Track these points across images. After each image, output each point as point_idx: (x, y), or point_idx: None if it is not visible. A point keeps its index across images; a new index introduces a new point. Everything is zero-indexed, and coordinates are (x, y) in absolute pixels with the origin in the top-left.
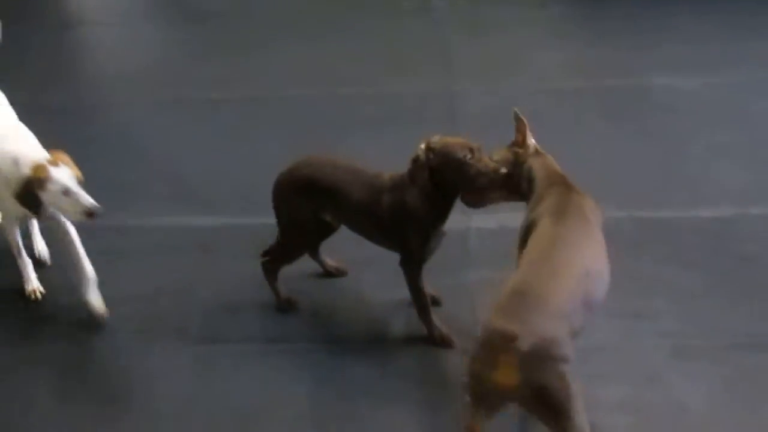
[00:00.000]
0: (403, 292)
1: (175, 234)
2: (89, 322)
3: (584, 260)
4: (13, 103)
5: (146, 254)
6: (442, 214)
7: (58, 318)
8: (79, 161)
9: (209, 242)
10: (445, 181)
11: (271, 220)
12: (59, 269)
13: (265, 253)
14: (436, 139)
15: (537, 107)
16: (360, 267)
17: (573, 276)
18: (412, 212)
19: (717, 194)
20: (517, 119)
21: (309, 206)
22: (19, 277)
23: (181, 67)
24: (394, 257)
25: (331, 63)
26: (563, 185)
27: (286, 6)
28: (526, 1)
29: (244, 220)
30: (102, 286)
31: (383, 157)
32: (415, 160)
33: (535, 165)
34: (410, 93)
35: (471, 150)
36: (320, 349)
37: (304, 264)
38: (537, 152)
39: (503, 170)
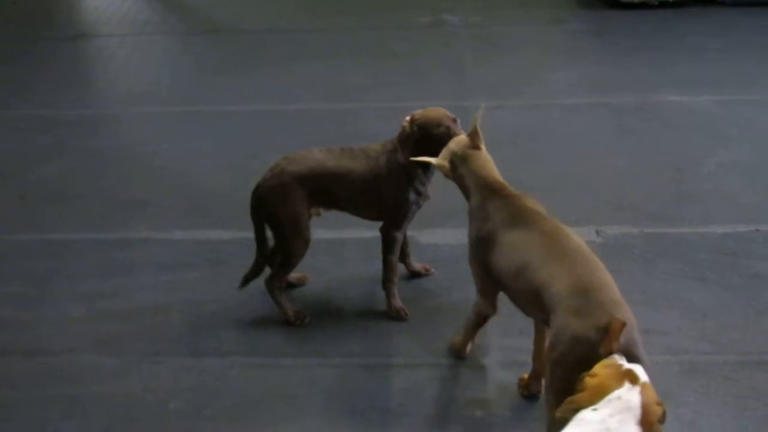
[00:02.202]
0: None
1: (185, 248)
2: (97, 336)
3: (586, 248)
4: (26, 115)
5: (155, 268)
6: (428, 177)
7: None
8: (89, 174)
9: (219, 256)
10: (429, 148)
11: None
12: None
13: (270, 277)
14: (419, 113)
15: (550, 123)
16: (366, 282)
17: (599, 262)
18: (405, 169)
19: (729, 211)
20: (473, 125)
21: (307, 200)
22: None
23: (193, 79)
24: (401, 272)
25: (344, 77)
26: (504, 192)
27: (299, 20)
28: (539, 19)
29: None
30: (110, 299)
31: None
32: (401, 133)
33: (467, 173)
34: (422, 107)
35: (453, 120)
36: (330, 364)
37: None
38: (470, 158)
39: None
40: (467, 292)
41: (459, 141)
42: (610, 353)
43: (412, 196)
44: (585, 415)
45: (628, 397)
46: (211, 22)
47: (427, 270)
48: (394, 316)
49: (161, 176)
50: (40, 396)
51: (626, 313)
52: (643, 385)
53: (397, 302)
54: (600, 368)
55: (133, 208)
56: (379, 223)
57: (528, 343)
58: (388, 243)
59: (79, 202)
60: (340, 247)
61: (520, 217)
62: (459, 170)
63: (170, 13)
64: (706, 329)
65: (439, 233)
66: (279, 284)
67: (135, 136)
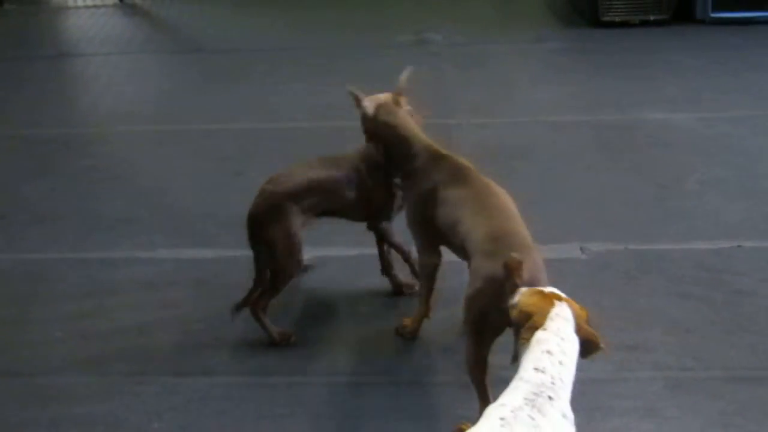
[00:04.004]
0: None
1: (169, 266)
2: (80, 356)
3: (511, 204)
4: (8, 134)
5: (139, 288)
6: None
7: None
8: (71, 193)
9: (203, 275)
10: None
11: None
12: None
13: (255, 302)
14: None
15: (533, 140)
16: (351, 300)
17: (517, 215)
18: (384, 166)
19: (712, 227)
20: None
21: (301, 217)
22: None
23: (176, 98)
24: (387, 289)
25: (327, 96)
26: (442, 153)
27: (282, 39)
28: (522, 37)
29: (239, 253)
30: (93, 319)
31: None
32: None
33: (397, 123)
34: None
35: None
36: (317, 382)
37: (288, 297)
38: (396, 113)
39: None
40: (453, 311)
41: (385, 96)
42: (515, 288)
43: (395, 188)
44: (539, 335)
45: (562, 311)
46: (194, 41)
47: (410, 287)
48: (398, 291)
49: (144, 195)
50: (21, 418)
51: (533, 254)
52: (567, 300)
53: (397, 278)
54: (529, 297)
55: (116, 227)
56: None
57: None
58: (383, 233)
59: (62, 222)
60: (322, 266)
61: (456, 176)
62: (383, 119)
63: (154, 32)
64: (690, 345)
65: None
66: (263, 305)
67: (118, 155)
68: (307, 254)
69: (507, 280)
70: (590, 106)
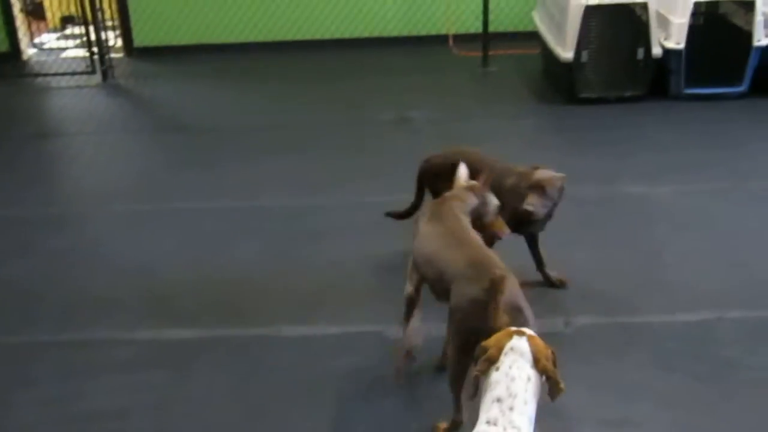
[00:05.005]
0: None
1: (148, 348)
2: None
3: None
4: None
5: (118, 370)
6: None
7: None
8: (52, 273)
9: (184, 356)
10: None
11: (250, 331)
12: None
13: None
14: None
15: None
16: (340, 380)
17: (488, 250)
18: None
19: (694, 299)
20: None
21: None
22: None
23: (157, 177)
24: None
25: (309, 173)
26: (439, 197)
27: (265, 118)
28: (501, 114)
29: (222, 332)
30: (70, 403)
31: (365, 264)
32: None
33: None
34: (389, 202)
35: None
36: None
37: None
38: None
39: None
40: (437, 388)
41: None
42: (497, 306)
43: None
44: (492, 376)
45: (518, 345)
46: (176, 120)
47: (562, 282)
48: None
49: (124, 275)
50: None
51: (510, 278)
52: (530, 336)
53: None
54: (494, 336)
55: (95, 307)
56: None
57: None
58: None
59: (41, 303)
60: (304, 344)
61: (437, 214)
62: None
63: (136, 111)
64: (677, 419)
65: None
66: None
67: (99, 234)
68: (291, 332)
69: (490, 297)
70: (570, 180)
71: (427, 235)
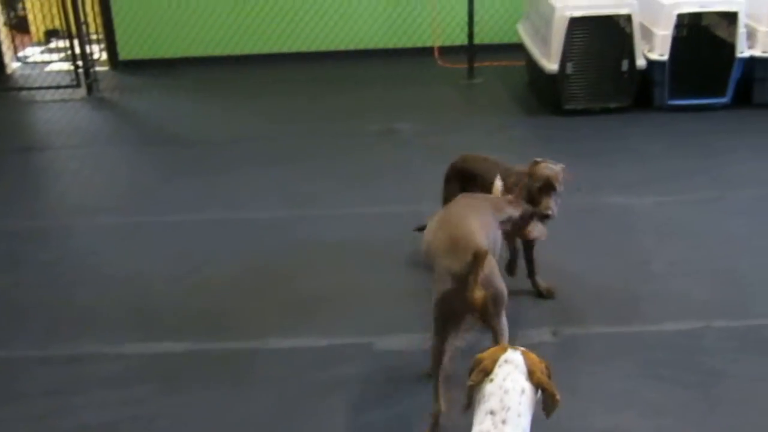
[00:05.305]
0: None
1: (136, 362)
2: None
3: (477, 219)
4: None
5: (105, 384)
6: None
7: None
8: (38, 287)
9: (172, 370)
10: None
11: (237, 343)
12: None
13: None
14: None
15: None
16: (324, 391)
17: (479, 228)
18: None
19: (680, 308)
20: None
21: None
22: None
23: (144, 189)
24: None
25: (298, 185)
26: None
27: (252, 130)
28: (487, 126)
29: (209, 345)
30: (56, 418)
31: (353, 275)
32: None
33: None
34: (376, 213)
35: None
36: None
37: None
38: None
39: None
40: (424, 399)
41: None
42: (475, 279)
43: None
44: (486, 388)
45: (513, 357)
46: (162, 133)
47: (550, 292)
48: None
49: (111, 288)
50: None
51: (490, 257)
52: (523, 351)
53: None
54: (489, 350)
55: (82, 321)
56: None
57: None
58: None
59: (27, 317)
60: (292, 356)
61: (447, 205)
62: None
63: (122, 124)
64: (665, 428)
65: (397, 339)
66: None
67: (85, 247)
68: (275, 344)
69: (471, 271)
70: None
71: (430, 226)
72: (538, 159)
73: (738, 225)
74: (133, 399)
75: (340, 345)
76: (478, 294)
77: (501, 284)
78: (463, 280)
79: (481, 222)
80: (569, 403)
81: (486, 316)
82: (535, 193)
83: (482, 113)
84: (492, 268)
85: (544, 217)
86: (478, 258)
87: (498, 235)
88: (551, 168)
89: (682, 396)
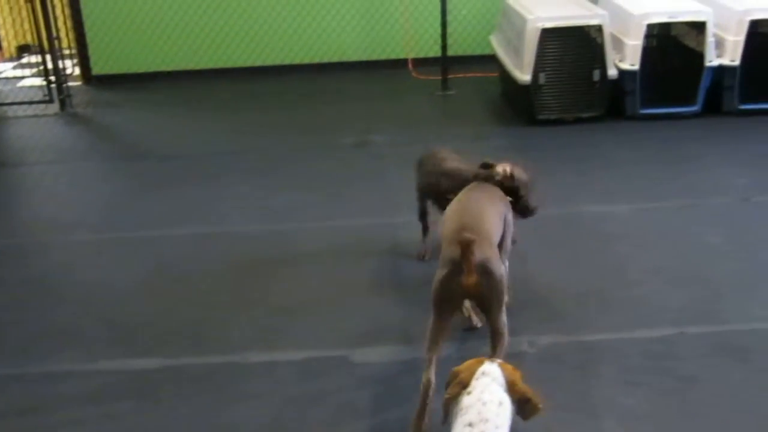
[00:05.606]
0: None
1: (112, 379)
2: None
3: (493, 209)
4: None
5: (81, 402)
6: None
7: None
8: (11, 305)
9: (148, 386)
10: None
11: (215, 358)
12: None
13: None
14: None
15: None
16: (304, 404)
17: (491, 217)
18: None
19: (655, 315)
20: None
21: None
22: None
23: (119, 205)
24: None
25: (273, 199)
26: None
27: (225, 144)
28: (463, 136)
29: (186, 360)
30: None
31: (329, 288)
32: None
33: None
34: (352, 226)
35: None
36: None
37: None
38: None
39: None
40: (403, 411)
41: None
42: (468, 266)
43: None
44: (464, 401)
45: (490, 370)
46: (136, 148)
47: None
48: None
49: (87, 304)
50: None
51: (485, 242)
52: (500, 362)
53: None
54: (466, 362)
55: (58, 339)
56: None
57: None
58: None
59: (2, 334)
60: (270, 370)
61: (463, 191)
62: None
63: (96, 140)
64: None
65: (375, 351)
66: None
67: (61, 264)
68: (254, 358)
69: (462, 256)
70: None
71: (446, 212)
72: (489, 161)
73: (710, 231)
74: (110, 416)
75: (319, 358)
76: (471, 279)
77: (498, 271)
78: (459, 265)
79: (495, 210)
80: (548, 411)
81: (483, 304)
82: (513, 191)
83: (457, 124)
84: (489, 255)
85: (529, 213)
86: (463, 246)
87: (510, 223)
88: (513, 167)
89: (660, 402)
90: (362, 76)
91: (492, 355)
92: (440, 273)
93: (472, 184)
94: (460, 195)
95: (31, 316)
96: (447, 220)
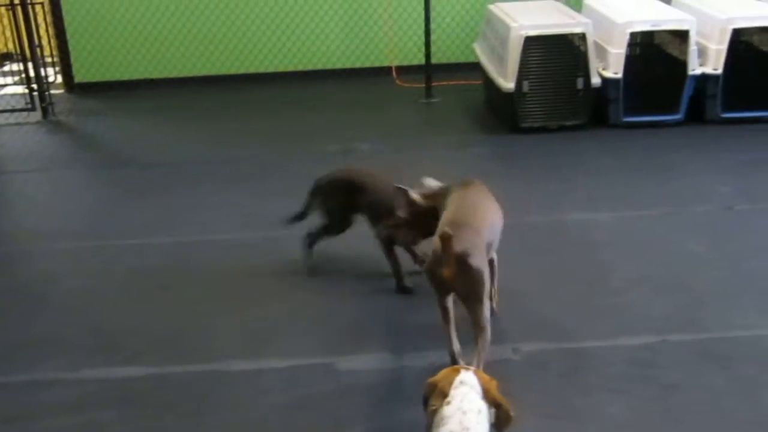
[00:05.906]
0: None
1: (95, 387)
2: None
3: (487, 205)
4: None
5: (64, 411)
6: None
7: None
8: None
9: (132, 394)
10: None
11: (198, 367)
12: None
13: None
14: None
15: None
16: (288, 412)
17: (484, 211)
18: None
19: (638, 323)
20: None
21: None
22: None
23: (102, 213)
24: None
25: (255, 207)
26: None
27: (209, 152)
28: (446, 144)
29: (169, 369)
30: None
31: (313, 296)
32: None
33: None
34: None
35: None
36: None
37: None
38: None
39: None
40: (387, 419)
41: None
42: (448, 257)
43: None
44: (444, 411)
45: (467, 378)
46: (119, 156)
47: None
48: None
49: (70, 313)
50: None
51: (470, 234)
52: (475, 370)
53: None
54: (441, 372)
55: (40, 347)
56: None
57: None
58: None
59: None
60: (253, 379)
61: (464, 189)
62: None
63: (78, 148)
64: None
65: (360, 359)
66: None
67: (42, 273)
68: (238, 366)
69: (442, 249)
70: (513, 209)
71: (446, 209)
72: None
73: (693, 240)
74: (93, 425)
75: (303, 366)
76: (448, 272)
77: (476, 264)
78: (440, 257)
79: (492, 207)
80: (531, 419)
81: (462, 296)
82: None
83: (440, 132)
84: (470, 249)
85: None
86: (443, 240)
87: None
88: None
89: (640, 410)
90: (346, 84)
91: (474, 349)
92: (426, 264)
93: (470, 185)
94: (464, 191)
95: (13, 325)
96: (446, 214)
